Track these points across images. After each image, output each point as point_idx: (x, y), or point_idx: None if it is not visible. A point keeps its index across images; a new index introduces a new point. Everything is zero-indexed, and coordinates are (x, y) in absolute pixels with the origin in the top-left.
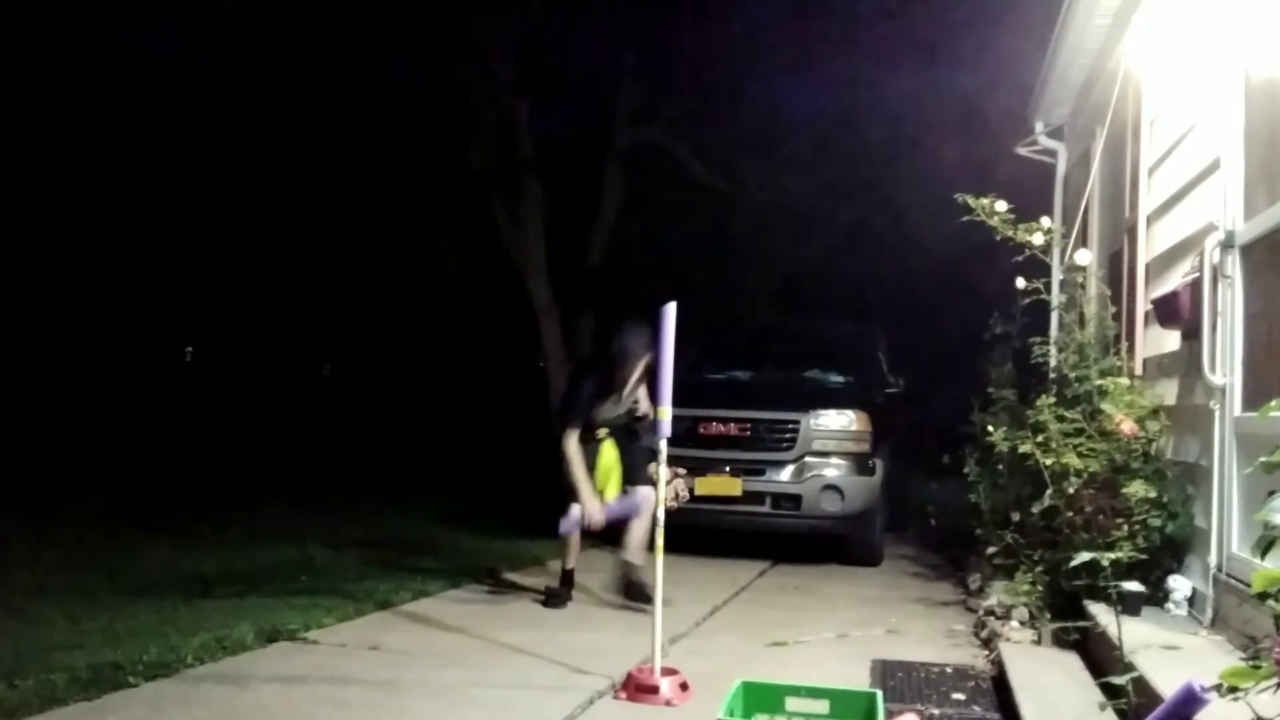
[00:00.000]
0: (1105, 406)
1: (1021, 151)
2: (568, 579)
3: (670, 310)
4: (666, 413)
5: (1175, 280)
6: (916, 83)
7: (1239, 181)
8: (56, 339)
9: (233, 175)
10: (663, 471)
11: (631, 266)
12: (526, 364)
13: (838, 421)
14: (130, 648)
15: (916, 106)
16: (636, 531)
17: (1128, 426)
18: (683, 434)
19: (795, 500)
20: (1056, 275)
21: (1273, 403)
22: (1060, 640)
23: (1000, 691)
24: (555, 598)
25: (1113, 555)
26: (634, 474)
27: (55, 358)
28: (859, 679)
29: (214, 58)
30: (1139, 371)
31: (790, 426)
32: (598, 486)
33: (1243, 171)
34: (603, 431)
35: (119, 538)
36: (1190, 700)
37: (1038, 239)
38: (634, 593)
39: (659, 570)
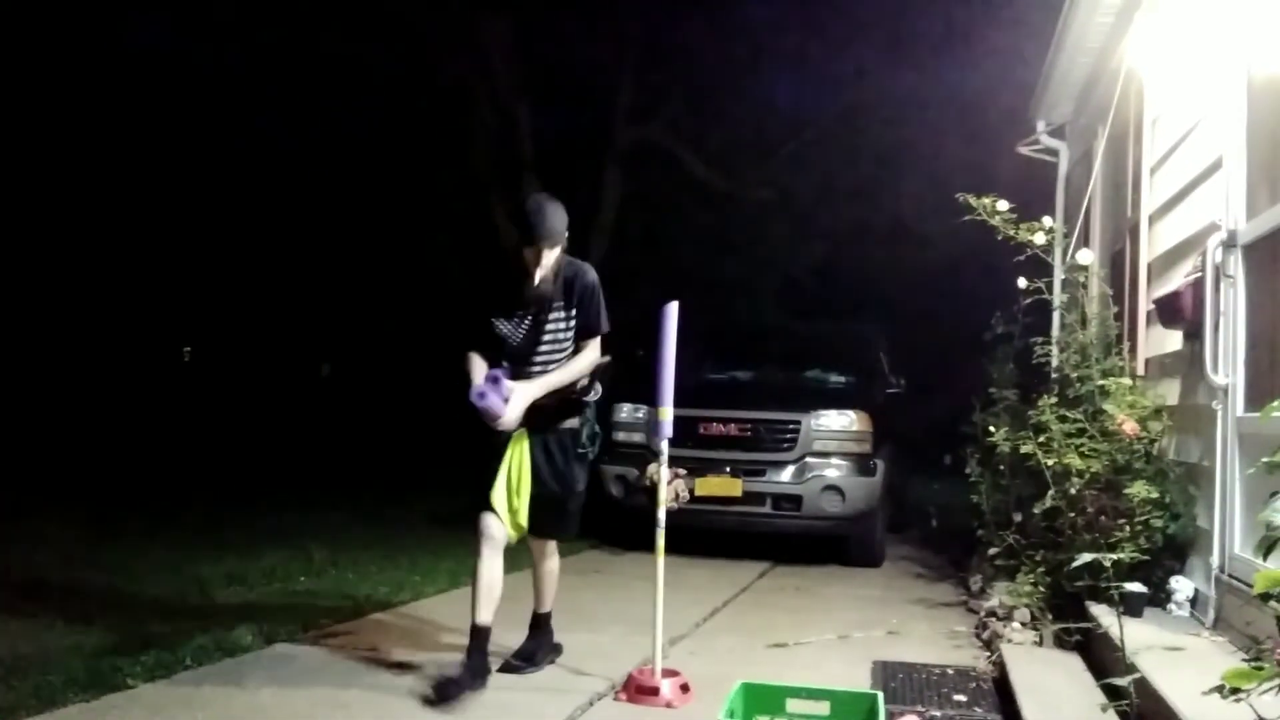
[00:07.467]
0: (1107, 407)
1: (1023, 150)
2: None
3: (672, 310)
4: (668, 413)
5: (1177, 280)
6: (917, 81)
7: (1241, 181)
8: (55, 339)
9: (232, 174)
10: (663, 472)
11: (631, 266)
12: None
13: (839, 422)
14: (128, 649)
15: (917, 105)
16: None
17: (1130, 427)
18: (683, 434)
19: (796, 501)
20: (1058, 275)
21: (1275, 403)
22: (1062, 642)
23: (1002, 693)
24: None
25: (1115, 556)
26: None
27: (54, 358)
28: (860, 680)
29: (214, 57)
30: (1141, 371)
31: (791, 427)
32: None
33: (1245, 171)
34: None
35: (117, 538)
36: None
37: (1039, 238)
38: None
39: (660, 571)
